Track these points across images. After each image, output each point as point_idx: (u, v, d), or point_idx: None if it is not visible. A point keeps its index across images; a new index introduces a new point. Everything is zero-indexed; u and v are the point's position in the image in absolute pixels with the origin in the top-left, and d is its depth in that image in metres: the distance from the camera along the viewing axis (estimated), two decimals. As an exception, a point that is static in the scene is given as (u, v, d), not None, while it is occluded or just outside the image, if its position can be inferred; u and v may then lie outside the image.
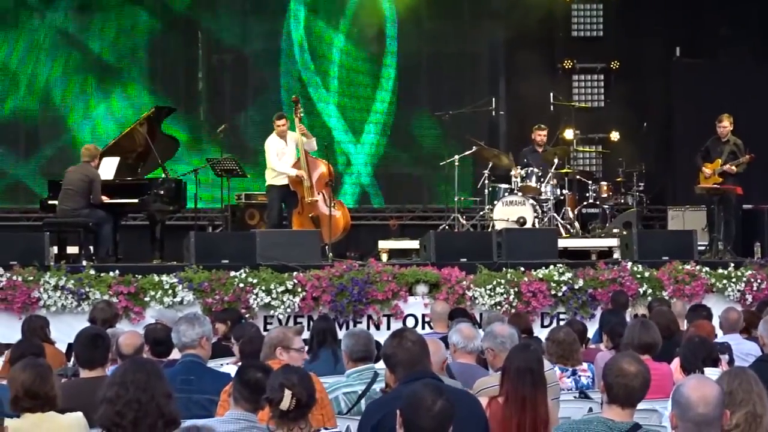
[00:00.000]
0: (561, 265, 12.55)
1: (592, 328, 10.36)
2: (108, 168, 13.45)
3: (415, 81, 18.04)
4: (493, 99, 16.81)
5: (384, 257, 14.39)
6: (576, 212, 15.25)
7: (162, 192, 13.40)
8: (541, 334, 9.84)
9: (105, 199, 12.97)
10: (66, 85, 17.17)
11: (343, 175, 17.63)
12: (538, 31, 17.67)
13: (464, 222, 15.18)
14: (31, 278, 11.61)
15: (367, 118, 17.90)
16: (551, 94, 16.81)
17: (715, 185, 14.12)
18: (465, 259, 12.61)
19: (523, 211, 14.46)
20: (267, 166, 13.88)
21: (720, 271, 12.72)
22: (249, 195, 15.80)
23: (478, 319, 11.47)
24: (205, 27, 17.72)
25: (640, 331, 7.12)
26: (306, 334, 9.11)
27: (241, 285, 11.82)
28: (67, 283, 11.58)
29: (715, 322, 9.09)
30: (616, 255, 13.86)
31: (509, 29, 17.79)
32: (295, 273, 12.05)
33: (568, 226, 14.89)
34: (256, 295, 11.82)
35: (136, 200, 13.36)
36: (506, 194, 14.77)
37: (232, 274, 11.91)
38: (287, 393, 4.65)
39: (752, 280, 12.70)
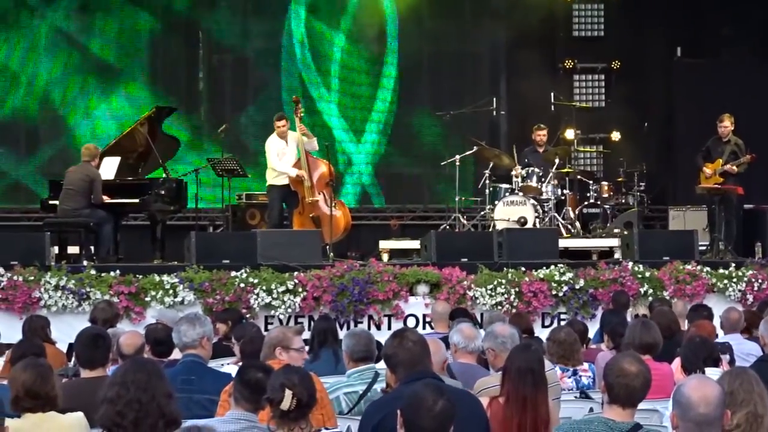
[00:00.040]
0: (562, 265, 12.54)
1: (593, 328, 10.37)
2: (109, 168, 13.45)
3: (416, 81, 18.03)
4: (494, 99, 16.79)
5: (385, 257, 14.39)
6: (577, 212, 15.25)
7: (163, 192, 13.40)
8: (542, 334, 9.85)
9: (106, 198, 12.96)
10: (66, 85, 17.15)
11: (344, 175, 17.63)
12: (539, 30, 17.66)
13: (465, 222, 15.17)
14: (32, 278, 11.61)
15: (368, 117, 17.90)
16: (552, 94, 16.82)
17: (716, 185, 14.12)
18: (466, 259, 12.60)
19: (524, 211, 14.46)
20: (268, 166, 13.88)
21: (721, 271, 12.71)
22: (250, 195, 15.80)
23: (479, 319, 11.49)
24: (205, 27, 17.72)
25: (641, 331, 7.12)
26: (307, 334, 9.10)
27: (242, 285, 11.82)
28: (68, 283, 11.58)
29: (716, 322, 9.10)
30: (617, 255, 13.86)
31: (510, 29, 17.80)
32: (295, 273, 12.05)
33: (569, 226, 14.89)
34: (257, 295, 11.82)
35: (136, 200, 13.35)
36: (507, 194, 14.77)
37: (233, 274, 11.91)
38: (288, 393, 4.66)
39: (753, 280, 12.70)
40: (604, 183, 15.74)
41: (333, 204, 13.70)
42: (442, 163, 15.38)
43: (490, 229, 14.33)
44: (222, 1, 17.78)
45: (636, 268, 12.55)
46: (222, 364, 7.67)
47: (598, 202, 15.53)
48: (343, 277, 12.05)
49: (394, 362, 5.26)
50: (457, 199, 15.01)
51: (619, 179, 16.03)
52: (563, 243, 13.92)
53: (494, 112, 16.87)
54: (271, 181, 13.85)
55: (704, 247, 14.22)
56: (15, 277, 11.57)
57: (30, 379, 5.15)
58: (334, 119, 17.77)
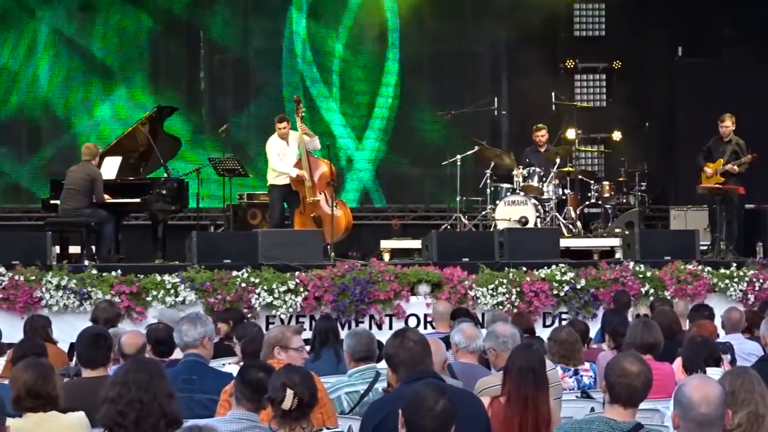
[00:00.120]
0: (563, 264, 12.54)
1: (594, 327, 10.37)
2: (110, 167, 13.45)
3: (417, 80, 18.03)
4: (495, 98, 16.78)
5: (386, 257, 14.39)
6: (578, 212, 15.24)
7: (164, 191, 13.40)
8: (543, 333, 9.84)
9: (107, 198, 12.96)
10: (67, 85, 17.15)
11: (345, 175, 17.62)
12: (541, 30, 17.64)
13: (466, 222, 15.17)
14: (33, 278, 11.60)
15: (369, 117, 17.89)
16: (553, 94, 16.80)
17: (717, 185, 14.11)
18: (467, 259, 12.60)
19: (525, 210, 14.45)
20: (269, 165, 13.88)
21: (722, 270, 12.71)
22: (251, 195, 15.79)
23: (480, 318, 11.48)
24: (206, 27, 17.72)
25: (642, 330, 7.12)
26: (308, 334, 9.10)
27: (243, 285, 11.82)
28: (69, 282, 11.58)
29: (717, 321, 9.10)
30: (618, 255, 13.86)
31: (511, 29, 17.80)
32: (297, 273, 12.05)
33: (570, 226, 14.89)
34: (258, 294, 11.82)
35: (138, 200, 13.35)
36: (508, 194, 14.77)
37: (234, 273, 11.91)
38: (289, 393, 4.66)
39: (754, 279, 12.69)
40: (606, 183, 15.74)
41: (334, 204, 13.70)
42: (444, 163, 15.37)
43: (492, 229, 14.33)
44: (222, 1, 17.79)
45: (637, 268, 12.54)
46: (223, 364, 7.66)
47: (600, 202, 15.53)
48: (344, 277, 12.05)
49: (396, 362, 5.26)
50: (458, 198, 15.02)
51: (620, 179, 16.03)
52: (564, 243, 13.92)
53: (495, 112, 16.86)
54: (272, 181, 13.85)
55: (705, 247, 14.22)
56: (16, 277, 11.57)
57: (31, 379, 5.15)
58: (335, 119, 17.77)
